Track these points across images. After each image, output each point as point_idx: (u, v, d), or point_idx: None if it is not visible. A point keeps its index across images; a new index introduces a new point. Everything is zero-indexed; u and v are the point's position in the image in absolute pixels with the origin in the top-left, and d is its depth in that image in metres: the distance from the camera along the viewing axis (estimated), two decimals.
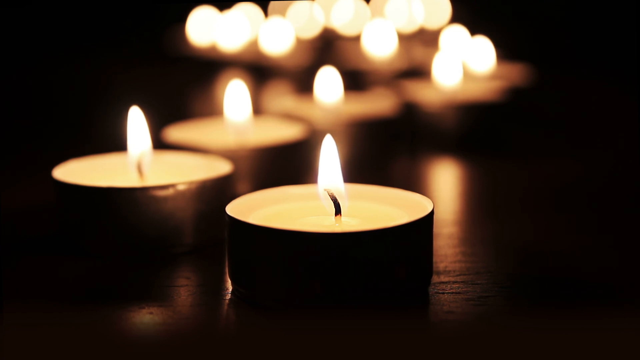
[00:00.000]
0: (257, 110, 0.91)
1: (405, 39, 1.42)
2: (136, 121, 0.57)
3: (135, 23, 1.75)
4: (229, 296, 0.46)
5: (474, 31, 1.17)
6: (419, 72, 1.07)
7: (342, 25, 1.62)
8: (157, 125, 0.66)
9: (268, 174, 0.65)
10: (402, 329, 0.41)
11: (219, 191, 0.54)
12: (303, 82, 1.12)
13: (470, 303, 0.44)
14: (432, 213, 0.46)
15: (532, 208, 0.64)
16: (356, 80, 1.10)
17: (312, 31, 1.57)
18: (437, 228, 0.55)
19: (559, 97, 1.15)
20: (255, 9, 1.61)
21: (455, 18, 1.56)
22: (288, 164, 0.67)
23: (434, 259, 0.50)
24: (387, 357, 0.39)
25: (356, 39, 1.41)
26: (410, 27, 1.57)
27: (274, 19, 1.45)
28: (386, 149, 0.80)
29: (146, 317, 0.43)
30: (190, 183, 0.52)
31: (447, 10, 1.63)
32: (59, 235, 0.54)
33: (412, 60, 1.22)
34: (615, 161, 0.79)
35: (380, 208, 0.49)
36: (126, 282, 0.48)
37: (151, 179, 0.56)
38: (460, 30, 1.20)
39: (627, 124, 0.92)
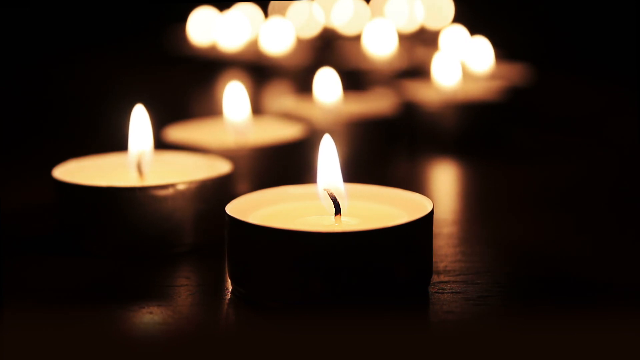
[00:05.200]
0: (257, 110, 0.91)
1: (405, 39, 1.42)
2: (138, 120, 0.57)
3: (135, 23, 1.75)
4: (228, 296, 0.46)
5: (473, 31, 1.17)
6: (419, 72, 1.07)
7: (342, 25, 1.61)
8: (157, 125, 0.66)
9: (268, 174, 0.65)
10: (402, 329, 0.41)
11: (219, 191, 0.54)
12: (303, 82, 1.12)
13: (470, 303, 0.44)
14: (431, 213, 0.46)
15: (531, 208, 0.64)
16: (356, 80, 1.10)
17: (312, 31, 1.57)
18: (437, 228, 0.55)
19: (558, 97, 1.15)
20: (255, 9, 1.61)
21: (456, 18, 1.56)
22: (288, 164, 0.67)
23: (434, 259, 0.50)
24: (387, 357, 0.39)
25: (356, 39, 1.41)
26: (410, 27, 1.57)
27: (274, 19, 1.45)
28: (386, 149, 0.80)
29: (146, 317, 0.43)
30: (190, 183, 0.52)
31: (449, 10, 1.63)
32: (59, 235, 0.54)
33: (412, 60, 1.22)
34: (615, 161, 0.79)
35: (380, 208, 0.49)
36: (126, 282, 0.48)
37: (151, 179, 0.56)
38: (460, 30, 1.20)
39: (627, 124, 0.92)
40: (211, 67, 1.37)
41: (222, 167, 0.56)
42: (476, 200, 0.69)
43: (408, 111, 0.84)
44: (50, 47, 1.63)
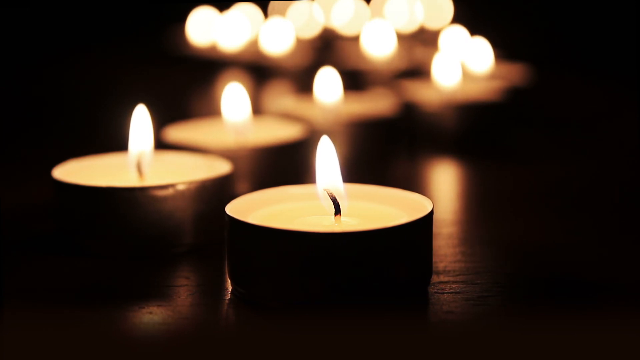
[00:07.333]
0: (257, 110, 0.91)
1: (405, 39, 1.42)
2: (138, 120, 0.57)
3: (135, 23, 1.75)
4: (228, 296, 0.46)
5: (473, 31, 1.17)
6: (419, 72, 1.07)
7: (342, 25, 1.62)
8: (157, 125, 0.66)
9: (268, 174, 0.65)
10: (401, 329, 0.41)
11: (219, 191, 0.54)
12: (303, 82, 1.12)
13: (470, 303, 0.44)
14: (431, 213, 0.46)
15: (531, 208, 0.64)
16: (356, 80, 1.10)
17: (312, 31, 1.57)
18: (436, 228, 0.55)
19: (558, 97, 1.15)
20: (255, 9, 1.61)
21: (456, 18, 1.56)
22: (288, 164, 0.67)
23: (434, 259, 0.50)
24: (387, 357, 0.39)
25: (356, 39, 1.41)
26: (410, 27, 1.57)
27: (274, 19, 1.45)
28: (386, 148, 0.80)
29: (145, 317, 0.43)
30: (190, 183, 0.52)
31: (448, 10, 1.63)
32: (59, 235, 0.54)
33: (412, 60, 1.22)
34: (616, 161, 0.79)
35: (380, 208, 0.49)
36: (126, 282, 0.48)
37: (151, 179, 0.56)
38: (460, 31, 1.20)
39: (627, 124, 0.92)
40: (211, 67, 1.37)
41: (222, 167, 0.56)
42: (476, 200, 0.69)
43: (408, 111, 0.84)
44: (50, 47, 1.63)
